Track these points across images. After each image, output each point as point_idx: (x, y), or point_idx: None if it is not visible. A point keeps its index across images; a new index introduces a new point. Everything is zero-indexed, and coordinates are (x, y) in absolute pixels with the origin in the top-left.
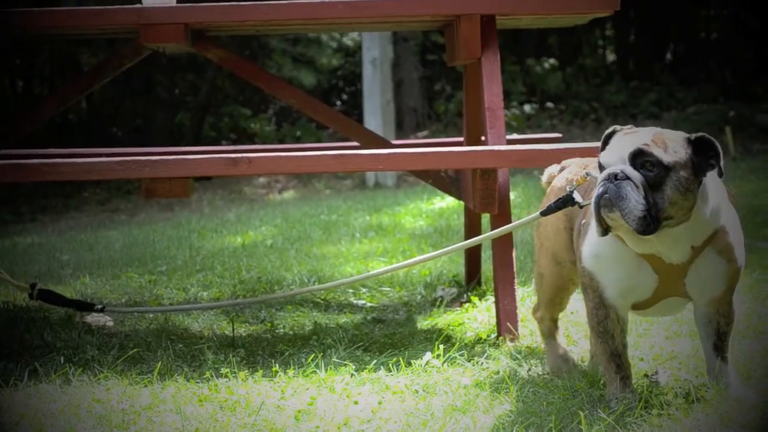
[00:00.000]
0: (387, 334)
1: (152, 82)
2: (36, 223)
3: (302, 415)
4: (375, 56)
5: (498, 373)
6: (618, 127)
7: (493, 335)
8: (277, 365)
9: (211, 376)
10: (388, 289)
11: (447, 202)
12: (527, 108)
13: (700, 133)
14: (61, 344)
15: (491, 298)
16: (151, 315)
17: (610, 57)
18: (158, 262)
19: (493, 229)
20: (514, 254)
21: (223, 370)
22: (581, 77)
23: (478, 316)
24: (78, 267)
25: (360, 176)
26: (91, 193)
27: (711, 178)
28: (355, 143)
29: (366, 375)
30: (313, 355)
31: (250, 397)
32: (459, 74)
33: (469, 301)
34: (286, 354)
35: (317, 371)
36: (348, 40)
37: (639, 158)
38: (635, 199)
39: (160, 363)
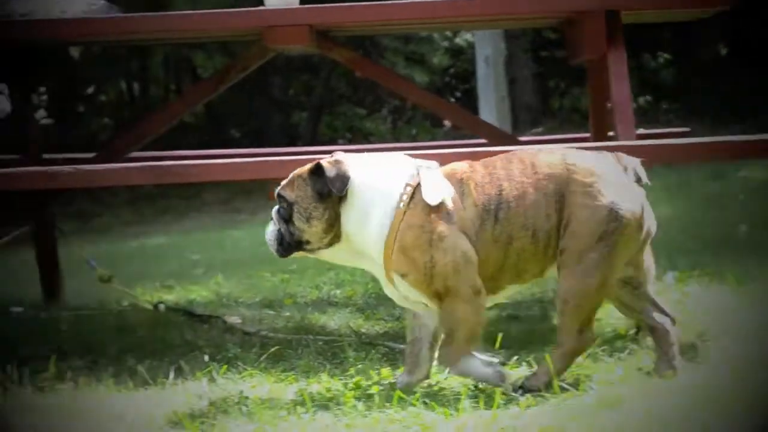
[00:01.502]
0: (524, 331)
1: (267, 83)
2: (158, 225)
3: (450, 411)
4: (488, 54)
5: (641, 368)
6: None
7: (633, 331)
8: None
9: (355, 373)
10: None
11: None
12: (641, 102)
13: (316, 163)
14: (203, 342)
15: None
16: (287, 313)
17: (724, 50)
18: (288, 260)
19: None
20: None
21: (362, 366)
22: (695, 71)
23: (615, 311)
24: (209, 267)
25: None
26: (211, 194)
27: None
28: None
29: (509, 371)
30: None
31: (397, 393)
32: (573, 70)
33: None
34: None
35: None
36: (460, 39)
37: (279, 200)
38: (270, 232)
39: (303, 360)
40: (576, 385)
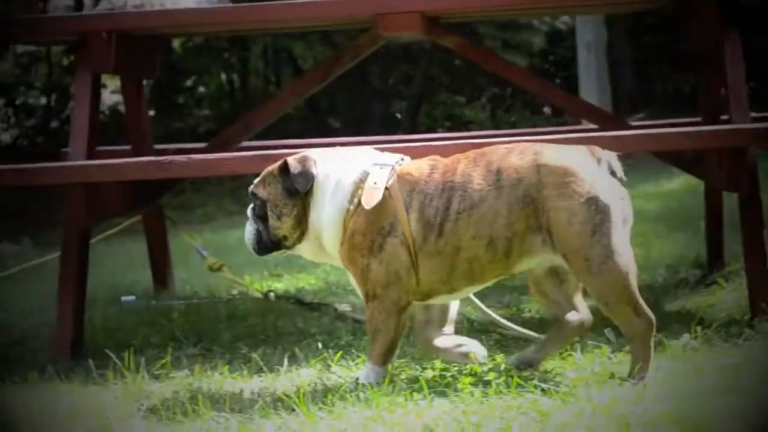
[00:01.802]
0: None
1: (367, 73)
2: None
3: (568, 397)
4: (589, 39)
5: (759, 354)
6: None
7: (747, 316)
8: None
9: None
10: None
11: (676, 183)
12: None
13: (284, 160)
14: (316, 330)
15: (738, 279)
16: None
17: None
18: None
19: (742, 210)
20: (765, 233)
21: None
22: None
23: (727, 297)
24: None
25: None
26: None
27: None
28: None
29: (623, 357)
30: None
31: (515, 380)
32: (674, 55)
33: (715, 282)
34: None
35: (572, 354)
36: (560, 24)
37: (253, 198)
38: (248, 231)
39: (416, 347)
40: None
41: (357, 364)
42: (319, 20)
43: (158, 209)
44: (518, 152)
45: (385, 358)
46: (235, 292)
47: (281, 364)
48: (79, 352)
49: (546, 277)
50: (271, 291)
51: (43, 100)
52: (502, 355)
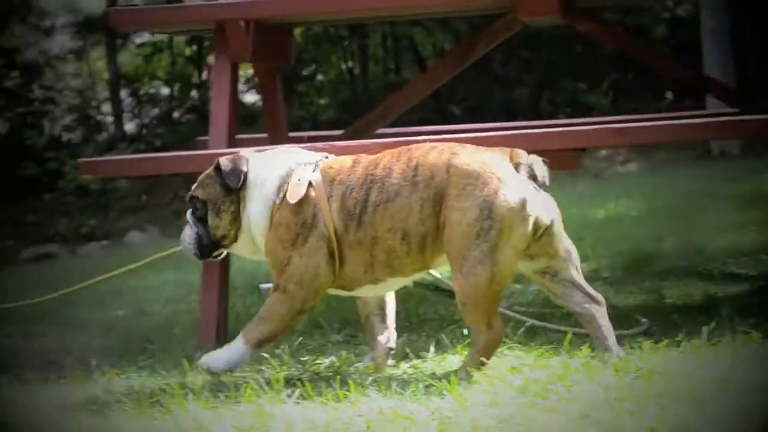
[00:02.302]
0: None
1: (488, 59)
2: None
3: (723, 384)
4: (713, 25)
5: None
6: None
7: None
8: (680, 335)
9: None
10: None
11: None
12: None
13: (216, 161)
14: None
15: None
16: (534, 287)
17: None
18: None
19: None
20: None
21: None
22: None
23: None
24: None
25: (703, 146)
26: None
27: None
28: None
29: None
30: (712, 324)
31: (655, 365)
32: None
33: None
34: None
35: (720, 340)
36: (681, 10)
37: (191, 201)
38: (188, 236)
39: (569, 335)
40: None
41: (502, 351)
42: (459, 6)
43: None
44: (438, 151)
45: (261, 344)
46: None
47: (427, 350)
48: (225, 338)
49: (542, 278)
50: None
51: (166, 91)
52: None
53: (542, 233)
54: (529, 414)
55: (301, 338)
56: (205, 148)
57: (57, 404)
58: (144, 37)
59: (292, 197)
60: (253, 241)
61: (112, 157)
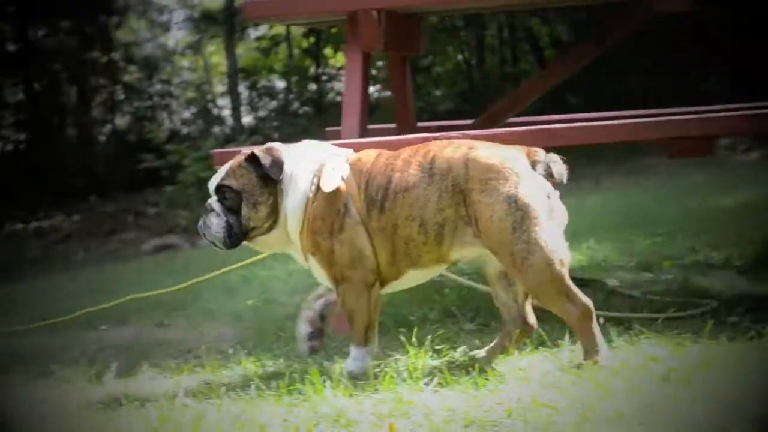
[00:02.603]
0: None
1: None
2: None
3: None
4: None
5: None
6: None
7: None
8: None
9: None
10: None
11: None
12: None
13: (250, 151)
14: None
15: None
16: (666, 275)
17: None
18: (661, 222)
19: None
20: None
21: None
22: None
23: None
24: (578, 231)
25: None
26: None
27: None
28: None
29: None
30: None
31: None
32: None
33: None
34: None
35: None
36: None
37: (219, 191)
38: (216, 225)
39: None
40: None
41: (639, 339)
42: None
43: None
44: (455, 146)
45: (367, 337)
46: None
47: (561, 339)
48: None
49: (497, 279)
50: None
51: (283, 83)
52: None
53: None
54: (673, 402)
55: (436, 326)
56: (334, 138)
57: (197, 391)
58: (261, 31)
59: (327, 186)
60: (286, 233)
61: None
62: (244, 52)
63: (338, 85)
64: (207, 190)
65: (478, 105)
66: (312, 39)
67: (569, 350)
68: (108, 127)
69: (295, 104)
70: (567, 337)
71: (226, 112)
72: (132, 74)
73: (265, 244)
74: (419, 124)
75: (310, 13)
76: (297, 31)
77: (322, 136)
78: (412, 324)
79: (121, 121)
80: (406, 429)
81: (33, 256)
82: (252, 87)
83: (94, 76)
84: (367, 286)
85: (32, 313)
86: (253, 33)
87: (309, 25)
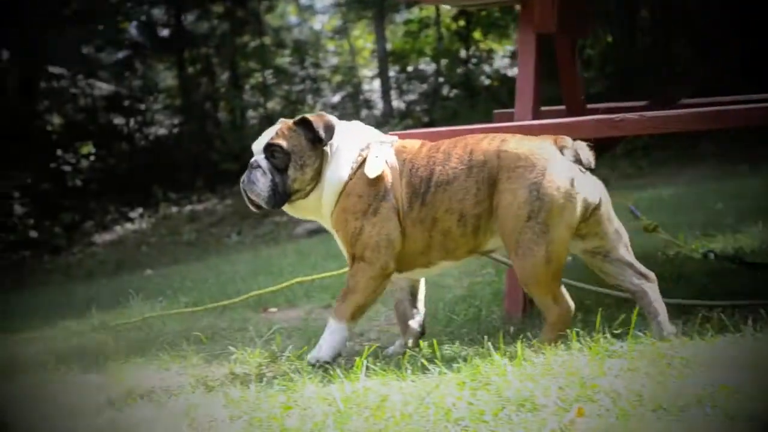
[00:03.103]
0: None
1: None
2: (656, 177)
3: None
4: None
5: None
6: (282, 120)
7: None
8: None
9: None
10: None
11: None
12: None
13: (299, 116)
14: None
15: None
16: None
17: None
18: None
19: None
20: None
21: None
22: None
23: None
24: (736, 215)
25: None
26: (711, 144)
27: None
28: None
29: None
30: None
31: None
32: None
33: None
34: None
35: None
36: None
37: (268, 149)
38: (263, 183)
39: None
40: None
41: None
42: None
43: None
44: (489, 138)
45: (354, 315)
46: (671, 252)
47: (744, 324)
48: (531, 311)
49: (593, 259)
50: (710, 251)
51: (433, 67)
52: None
53: (591, 213)
54: None
55: (611, 310)
56: (503, 120)
57: (378, 373)
58: (412, 13)
59: (371, 172)
60: (320, 200)
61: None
62: (391, 35)
63: (488, 69)
64: None
65: (628, 87)
66: (462, 22)
67: (752, 336)
68: (260, 111)
69: (445, 88)
70: (750, 321)
71: (375, 96)
72: (283, 57)
73: (301, 209)
74: (589, 106)
75: None
76: (446, 14)
77: (479, 119)
78: (589, 307)
79: (273, 104)
80: (593, 413)
81: (188, 240)
82: (402, 70)
83: (245, 61)
84: (384, 274)
85: (199, 295)
86: (397, 17)
87: (464, 7)
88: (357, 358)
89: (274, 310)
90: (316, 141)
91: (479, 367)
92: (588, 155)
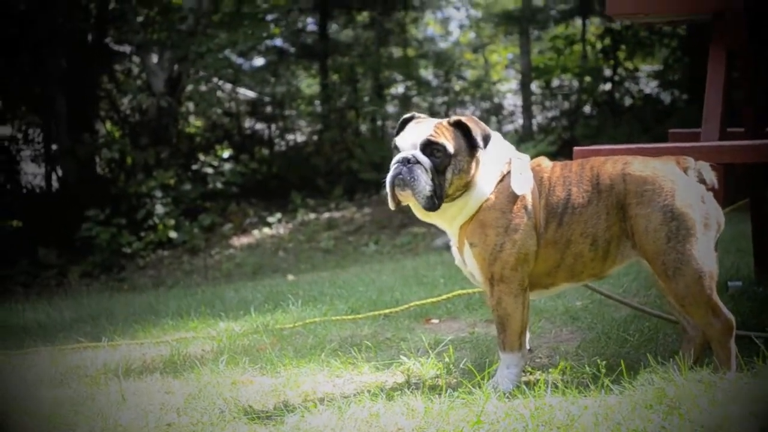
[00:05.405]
0: None
1: None
2: None
3: None
4: None
5: None
6: (416, 114)
7: None
8: None
9: None
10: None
11: None
12: None
13: (455, 117)
14: None
15: None
16: None
17: None
18: None
19: None
20: None
21: None
22: None
23: None
24: None
25: None
26: None
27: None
28: None
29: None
30: None
31: None
32: None
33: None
34: None
35: None
36: None
37: (428, 147)
38: (425, 181)
39: None
40: None
41: None
42: None
43: (764, 194)
44: (612, 161)
45: (520, 341)
46: None
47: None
48: None
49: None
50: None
51: (576, 83)
52: None
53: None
54: None
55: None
56: (677, 140)
57: (561, 389)
58: (558, 30)
59: (520, 189)
60: (461, 209)
61: (606, 146)
62: (534, 51)
63: (633, 87)
64: None
65: None
66: (608, 40)
67: None
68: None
69: (588, 105)
70: None
71: (515, 110)
72: (426, 69)
73: (436, 214)
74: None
75: (673, 12)
76: (592, 31)
77: (621, 139)
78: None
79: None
80: None
81: (325, 247)
82: (546, 86)
83: (388, 71)
84: (523, 289)
85: (357, 303)
86: (537, 32)
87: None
88: (539, 372)
89: (436, 321)
90: (474, 147)
91: (664, 389)
92: (711, 175)
